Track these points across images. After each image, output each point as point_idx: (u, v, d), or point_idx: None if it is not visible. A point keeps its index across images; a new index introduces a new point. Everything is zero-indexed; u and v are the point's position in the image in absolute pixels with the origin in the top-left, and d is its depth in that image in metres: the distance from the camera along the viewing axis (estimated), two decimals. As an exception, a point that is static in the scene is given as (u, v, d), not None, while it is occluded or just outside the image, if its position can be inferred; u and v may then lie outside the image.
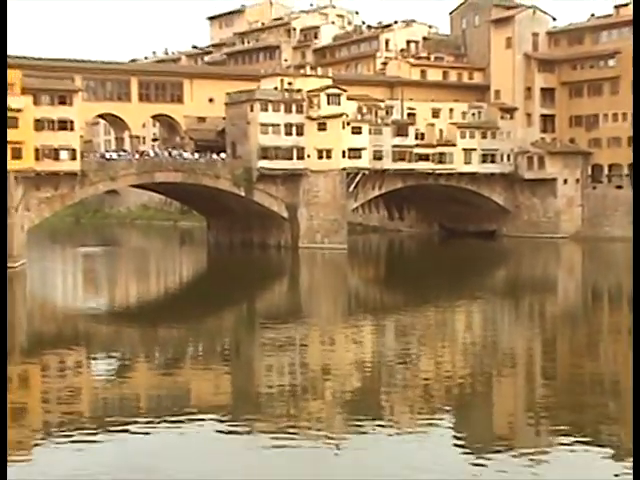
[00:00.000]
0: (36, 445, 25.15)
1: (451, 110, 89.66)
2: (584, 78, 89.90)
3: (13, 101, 64.21)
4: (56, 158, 68.09)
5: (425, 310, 49.77)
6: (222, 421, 26.79)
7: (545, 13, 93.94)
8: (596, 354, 38.24)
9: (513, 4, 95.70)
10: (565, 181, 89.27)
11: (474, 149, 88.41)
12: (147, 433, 25.56)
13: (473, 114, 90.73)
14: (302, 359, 37.19)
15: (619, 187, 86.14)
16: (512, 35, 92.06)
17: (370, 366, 35.62)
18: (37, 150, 66.49)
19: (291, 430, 25.48)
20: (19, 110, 64.44)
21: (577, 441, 24.55)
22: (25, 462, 23.71)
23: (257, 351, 39.05)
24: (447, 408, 28.63)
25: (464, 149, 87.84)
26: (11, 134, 63.49)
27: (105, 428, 25.78)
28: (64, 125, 68.46)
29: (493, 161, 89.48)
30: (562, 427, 25.91)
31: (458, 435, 25.99)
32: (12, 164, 63.73)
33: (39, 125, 66.68)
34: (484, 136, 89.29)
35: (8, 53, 77.51)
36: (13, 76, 65.38)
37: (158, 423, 26.35)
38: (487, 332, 44.23)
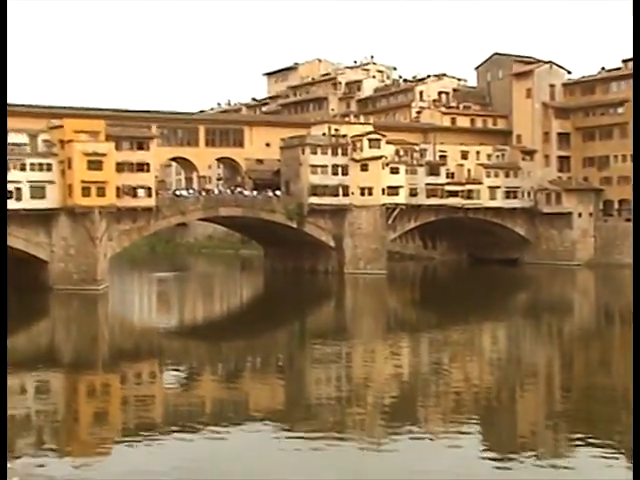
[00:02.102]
0: (114, 445, 25.28)
1: (478, 152, 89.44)
2: (596, 124, 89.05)
3: (98, 147, 65.15)
4: (134, 195, 68.74)
5: (456, 328, 49.24)
6: (276, 426, 26.70)
7: (561, 67, 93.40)
8: (609, 368, 37.55)
9: (532, 59, 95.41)
10: (580, 215, 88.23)
11: (498, 187, 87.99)
12: (211, 436, 25.53)
13: (497, 156, 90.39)
14: (346, 372, 37.00)
15: (628, 220, 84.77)
16: (532, 86, 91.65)
17: (406, 378, 35.34)
18: (118, 189, 67.08)
19: (336, 435, 25.32)
20: (103, 154, 65.24)
21: (592, 446, 24.10)
22: (105, 460, 23.86)
23: (307, 364, 38.94)
24: (475, 416, 28.25)
25: (489, 187, 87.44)
26: (96, 175, 64.52)
27: (175, 431, 25.83)
28: (141, 167, 69.13)
29: (515, 197, 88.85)
30: (579, 434, 25.44)
31: (484, 441, 25.62)
32: (97, 201, 64.64)
33: (120, 167, 67.30)
34: (507, 175, 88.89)
35: (96, 106, 79.51)
36: (98, 125, 66.37)
37: (221, 427, 26.34)
38: (511, 348, 43.67)
